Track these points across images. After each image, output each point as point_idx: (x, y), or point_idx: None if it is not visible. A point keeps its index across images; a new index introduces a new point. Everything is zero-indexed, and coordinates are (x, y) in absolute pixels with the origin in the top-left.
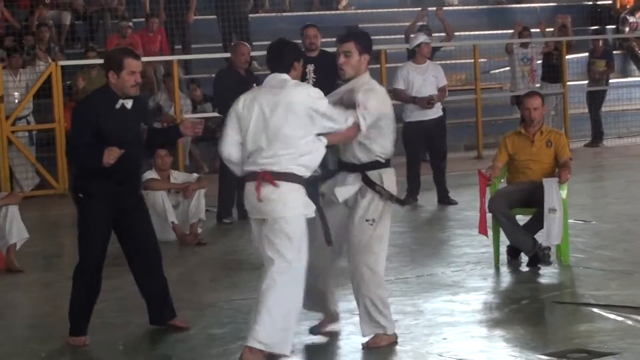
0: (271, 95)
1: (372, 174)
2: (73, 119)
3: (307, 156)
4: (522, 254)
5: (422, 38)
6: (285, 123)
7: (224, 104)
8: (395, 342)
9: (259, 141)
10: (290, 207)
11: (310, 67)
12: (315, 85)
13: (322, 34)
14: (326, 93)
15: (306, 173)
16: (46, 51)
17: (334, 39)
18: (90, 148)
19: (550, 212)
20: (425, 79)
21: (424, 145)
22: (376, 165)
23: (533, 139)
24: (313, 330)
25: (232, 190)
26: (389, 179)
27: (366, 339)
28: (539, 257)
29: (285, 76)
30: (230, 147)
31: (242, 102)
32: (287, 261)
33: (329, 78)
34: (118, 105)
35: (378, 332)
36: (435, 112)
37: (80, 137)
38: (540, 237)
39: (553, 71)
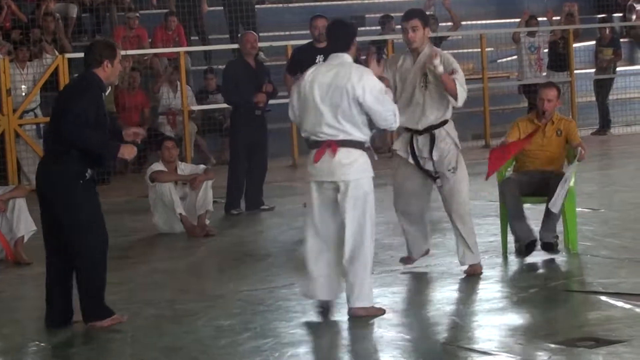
0: (332, 73)
1: (441, 131)
2: (85, 105)
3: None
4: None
5: None
6: (341, 100)
7: (233, 95)
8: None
9: (324, 114)
10: (362, 170)
11: (320, 58)
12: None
13: None
14: None
15: (366, 139)
16: (53, 44)
17: None
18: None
19: (565, 182)
20: None
21: None
22: (444, 123)
23: (544, 129)
24: (403, 260)
25: (240, 182)
26: (453, 130)
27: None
28: (528, 249)
29: (345, 56)
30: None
31: (305, 78)
32: (367, 219)
33: None
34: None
35: (474, 262)
36: None
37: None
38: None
39: (559, 60)
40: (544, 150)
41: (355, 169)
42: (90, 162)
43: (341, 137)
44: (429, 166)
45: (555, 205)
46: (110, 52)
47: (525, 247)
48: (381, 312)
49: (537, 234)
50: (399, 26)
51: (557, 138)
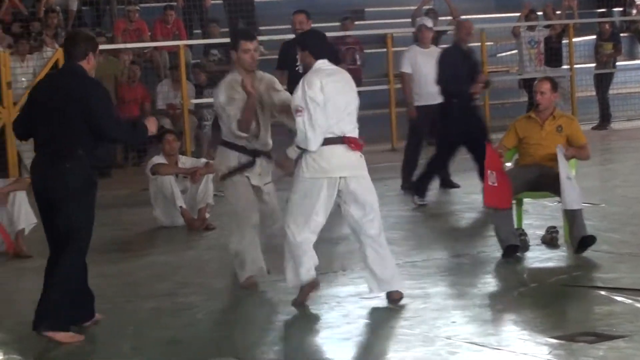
0: (337, 77)
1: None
2: (107, 97)
3: None
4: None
5: (422, 22)
6: (353, 100)
7: (451, 83)
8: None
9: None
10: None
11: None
12: (303, 71)
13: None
14: None
15: None
16: (53, 37)
17: (339, 24)
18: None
19: (567, 179)
20: (432, 62)
21: (428, 130)
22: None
23: (543, 123)
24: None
25: (437, 173)
26: None
27: None
28: (507, 252)
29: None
30: None
31: (319, 84)
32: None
33: None
34: None
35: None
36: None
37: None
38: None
39: (553, 54)
40: (542, 145)
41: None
42: (93, 163)
43: (355, 132)
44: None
45: (570, 203)
46: (93, 45)
47: (505, 249)
48: None
49: (518, 239)
50: (400, 20)
51: (556, 134)
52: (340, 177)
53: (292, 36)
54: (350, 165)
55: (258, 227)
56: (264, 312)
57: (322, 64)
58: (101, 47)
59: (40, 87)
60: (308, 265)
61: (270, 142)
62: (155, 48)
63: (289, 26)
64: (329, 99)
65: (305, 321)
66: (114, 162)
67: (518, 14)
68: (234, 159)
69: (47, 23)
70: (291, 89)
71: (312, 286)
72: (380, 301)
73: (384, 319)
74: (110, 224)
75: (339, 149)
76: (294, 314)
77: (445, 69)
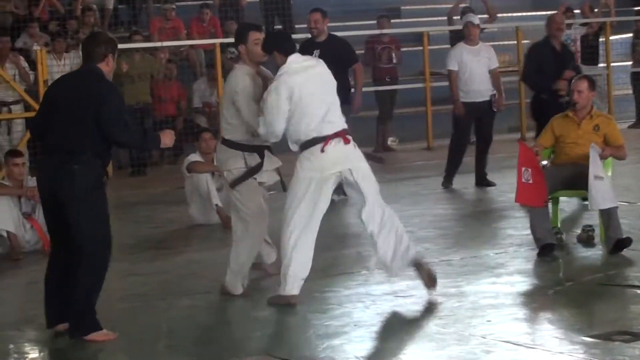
0: (310, 72)
1: None
2: (120, 102)
3: None
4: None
5: (467, 19)
6: (331, 90)
7: (532, 78)
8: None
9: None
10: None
11: (316, 52)
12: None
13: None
14: (336, 76)
15: None
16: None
17: (375, 21)
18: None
19: (595, 179)
20: (479, 60)
21: (472, 128)
22: None
23: (580, 122)
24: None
25: None
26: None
27: None
28: (543, 251)
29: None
30: None
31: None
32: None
33: (334, 63)
34: None
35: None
36: (488, 93)
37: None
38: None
39: (590, 53)
40: (578, 144)
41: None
42: (104, 163)
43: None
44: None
45: (597, 203)
46: (114, 47)
47: (541, 248)
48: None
49: (554, 238)
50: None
51: (593, 133)
52: (335, 173)
53: (339, 33)
54: (343, 158)
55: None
56: (298, 310)
57: (294, 60)
58: (137, 45)
59: (56, 87)
60: (298, 278)
61: None
62: (192, 46)
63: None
64: (306, 102)
65: (339, 320)
66: (149, 160)
67: (554, 12)
68: (241, 160)
69: (84, 21)
70: None
71: (290, 301)
72: (415, 300)
73: (418, 318)
74: (145, 222)
75: (329, 146)
76: (328, 312)
77: (529, 64)
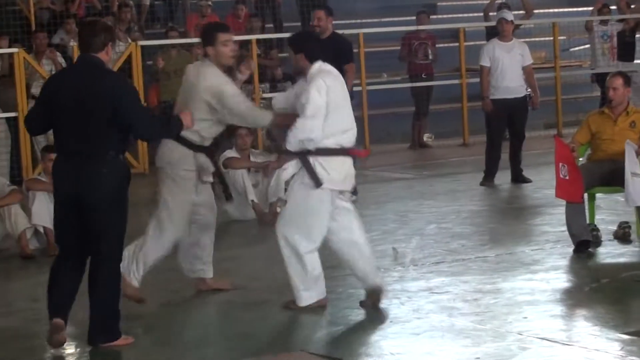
0: (340, 79)
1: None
2: (135, 93)
3: None
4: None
5: (501, 15)
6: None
7: None
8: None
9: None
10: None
11: None
12: (294, 74)
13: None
14: None
15: None
16: (126, 32)
17: (411, 17)
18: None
19: (632, 176)
20: (512, 56)
21: (506, 124)
22: None
23: (616, 119)
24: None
25: None
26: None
27: None
28: (579, 247)
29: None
30: None
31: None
32: None
33: (335, 61)
34: None
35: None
36: (520, 90)
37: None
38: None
39: (626, 49)
40: (615, 141)
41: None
42: (124, 157)
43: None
44: None
45: (634, 200)
46: (112, 35)
47: (577, 245)
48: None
49: (590, 235)
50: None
51: (630, 130)
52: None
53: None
54: (353, 177)
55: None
56: (334, 306)
57: (322, 65)
58: (174, 41)
59: (58, 84)
60: (320, 289)
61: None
62: None
63: (360, 21)
64: (338, 105)
65: (375, 316)
66: None
67: (591, 8)
68: (191, 160)
69: (120, 17)
70: None
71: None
72: (451, 296)
73: (454, 314)
74: None
75: (348, 161)
76: (363, 309)
77: None
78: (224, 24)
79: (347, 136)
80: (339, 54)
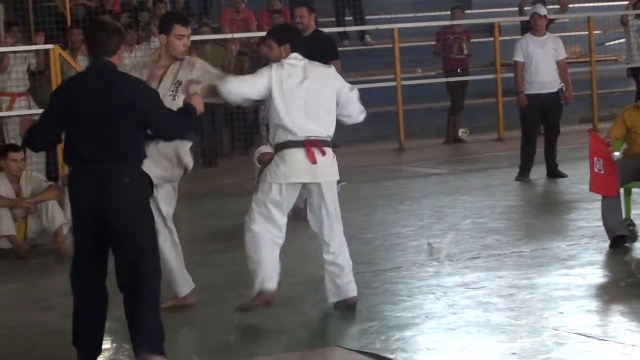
0: (315, 74)
1: None
2: (157, 95)
3: None
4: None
5: (534, 9)
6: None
7: None
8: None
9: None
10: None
11: None
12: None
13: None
14: None
15: None
16: None
17: (445, 12)
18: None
19: None
20: (545, 51)
21: (540, 119)
22: None
23: None
24: None
25: None
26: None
27: None
28: (615, 242)
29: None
30: None
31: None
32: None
33: (315, 58)
34: None
35: None
36: (554, 85)
37: None
38: None
39: None
40: None
41: (336, 168)
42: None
43: (325, 135)
44: None
45: None
46: (122, 38)
47: (612, 240)
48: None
49: (626, 230)
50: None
51: None
52: (301, 183)
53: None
54: (312, 170)
55: None
56: (369, 302)
57: (296, 57)
58: (208, 37)
59: (73, 91)
60: (268, 272)
61: None
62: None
63: (395, 16)
64: (300, 96)
65: (410, 311)
66: (220, 151)
67: (626, 2)
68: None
69: (155, 13)
70: None
71: (266, 299)
72: (487, 291)
73: (489, 310)
74: (216, 213)
75: (301, 154)
76: (399, 303)
77: None
78: (183, 15)
79: (307, 127)
80: (320, 51)
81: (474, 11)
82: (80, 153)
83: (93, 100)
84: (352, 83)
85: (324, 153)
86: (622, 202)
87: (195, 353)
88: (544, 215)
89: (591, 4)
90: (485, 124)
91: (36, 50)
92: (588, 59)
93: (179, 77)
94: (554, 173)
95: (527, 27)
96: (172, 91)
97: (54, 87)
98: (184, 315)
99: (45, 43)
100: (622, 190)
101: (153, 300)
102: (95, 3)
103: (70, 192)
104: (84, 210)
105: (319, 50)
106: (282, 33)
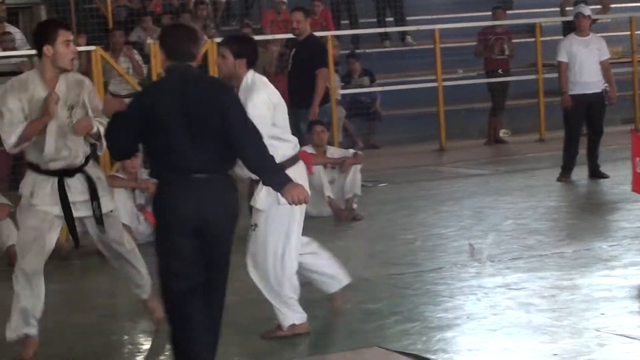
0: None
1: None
2: (247, 115)
3: None
4: None
5: (578, 9)
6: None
7: None
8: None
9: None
10: None
11: (293, 51)
12: (291, 69)
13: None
14: (303, 77)
15: None
16: (203, 29)
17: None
18: None
19: None
20: (589, 51)
21: (583, 120)
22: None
23: None
24: None
25: None
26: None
27: None
28: None
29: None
30: None
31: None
32: None
33: (307, 62)
34: None
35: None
36: (598, 85)
37: None
38: None
39: None
40: None
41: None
42: None
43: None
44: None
45: None
46: (201, 43)
47: None
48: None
49: None
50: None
51: None
52: None
53: (450, 26)
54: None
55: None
56: (410, 302)
57: (255, 74)
58: None
59: (166, 94)
60: (298, 307)
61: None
62: None
63: (436, 16)
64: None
65: (451, 312)
66: None
67: None
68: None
69: (197, 14)
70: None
71: (300, 330)
72: (528, 292)
73: (531, 311)
74: None
75: (302, 168)
76: (441, 304)
77: None
78: (63, 21)
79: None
80: (310, 57)
81: (516, 11)
82: (167, 159)
83: (190, 105)
84: (393, 84)
85: None
86: None
87: (237, 354)
88: (585, 216)
89: (633, 4)
90: (526, 124)
91: (78, 52)
92: (630, 60)
93: (69, 100)
94: (596, 174)
95: (569, 28)
96: (68, 117)
97: (96, 88)
98: (225, 316)
99: (88, 45)
100: None
101: (222, 310)
102: (137, 4)
103: (168, 205)
104: (183, 221)
105: (311, 56)
106: (240, 45)
